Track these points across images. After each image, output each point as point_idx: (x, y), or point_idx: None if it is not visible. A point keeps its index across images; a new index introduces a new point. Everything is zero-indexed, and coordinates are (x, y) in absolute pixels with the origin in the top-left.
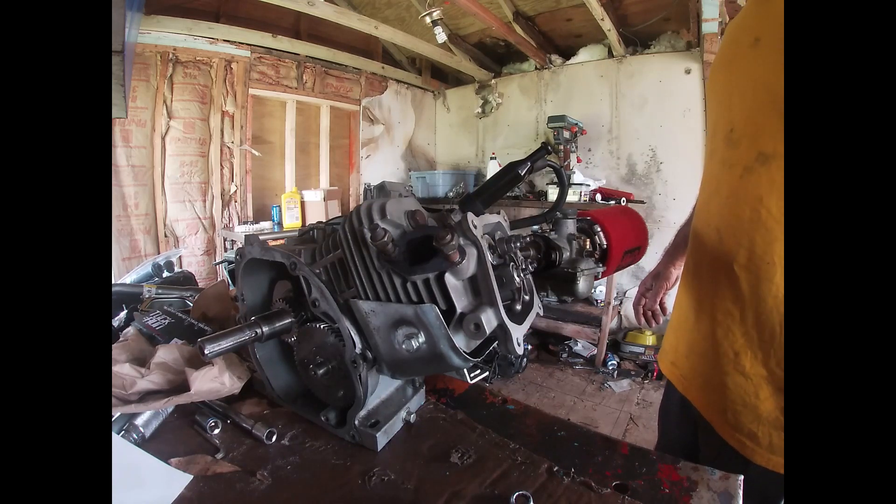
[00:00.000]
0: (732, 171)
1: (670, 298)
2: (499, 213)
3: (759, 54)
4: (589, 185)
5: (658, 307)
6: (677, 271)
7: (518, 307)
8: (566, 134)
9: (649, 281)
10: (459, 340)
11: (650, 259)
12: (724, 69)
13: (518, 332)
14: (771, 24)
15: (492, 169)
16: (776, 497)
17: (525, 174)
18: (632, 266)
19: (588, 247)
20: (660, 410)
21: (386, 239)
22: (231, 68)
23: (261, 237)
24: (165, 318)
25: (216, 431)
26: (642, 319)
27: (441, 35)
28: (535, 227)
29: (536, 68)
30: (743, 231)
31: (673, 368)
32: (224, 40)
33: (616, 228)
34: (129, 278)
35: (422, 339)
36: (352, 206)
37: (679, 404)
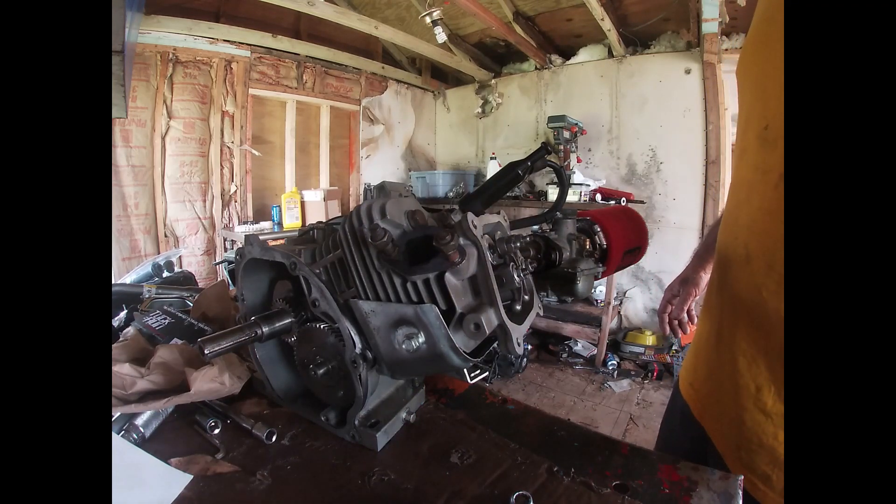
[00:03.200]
0: (767, 177)
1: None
2: (499, 213)
3: None
4: (589, 185)
5: (685, 316)
6: (707, 275)
7: (518, 307)
8: (566, 134)
9: (676, 286)
10: (459, 340)
11: (650, 259)
12: (757, 51)
13: (518, 332)
14: None
15: (492, 169)
16: None
17: (525, 174)
18: (632, 266)
19: (588, 247)
20: (664, 418)
21: (386, 239)
22: (231, 68)
23: (261, 237)
24: (165, 318)
25: (216, 431)
26: (667, 329)
27: (441, 35)
28: (535, 227)
29: (536, 68)
30: (776, 252)
31: (691, 391)
32: (224, 40)
33: (616, 228)
34: (129, 278)
35: (422, 339)
36: (352, 206)
37: (680, 416)
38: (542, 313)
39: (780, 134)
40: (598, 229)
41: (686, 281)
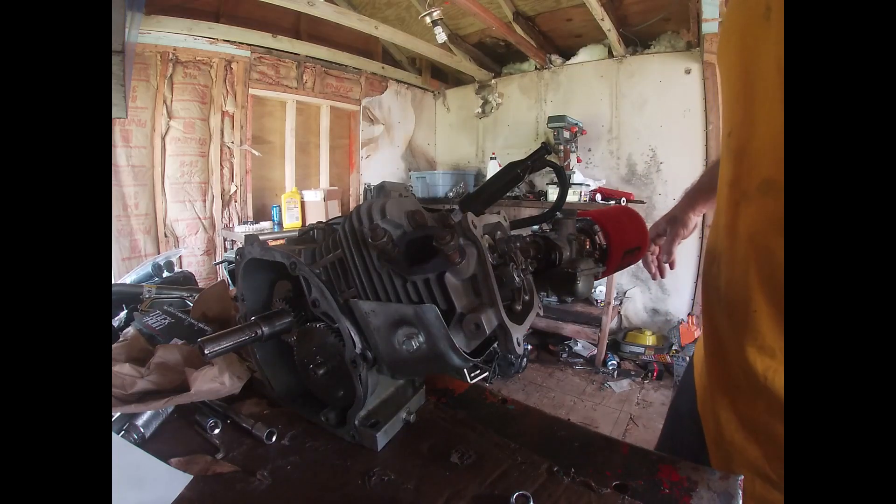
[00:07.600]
0: (732, 193)
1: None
2: (499, 213)
3: (772, 31)
4: (589, 185)
5: (668, 257)
6: (697, 218)
7: (518, 307)
8: (566, 134)
9: (663, 225)
10: (459, 340)
11: None
12: (735, 42)
13: (518, 332)
14: None
15: (492, 169)
16: None
17: (525, 174)
18: (632, 266)
19: (588, 247)
20: (670, 410)
21: (386, 239)
22: (231, 68)
23: (261, 237)
24: (165, 318)
25: (216, 431)
26: (652, 267)
27: (441, 35)
28: (535, 227)
29: (536, 68)
30: (741, 285)
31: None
32: (224, 40)
33: (616, 228)
34: (129, 278)
35: (422, 339)
36: (352, 206)
37: (689, 417)
38: (542, 313)
39: (742, 144)
40: (598, 229)
41: (674, 220)
